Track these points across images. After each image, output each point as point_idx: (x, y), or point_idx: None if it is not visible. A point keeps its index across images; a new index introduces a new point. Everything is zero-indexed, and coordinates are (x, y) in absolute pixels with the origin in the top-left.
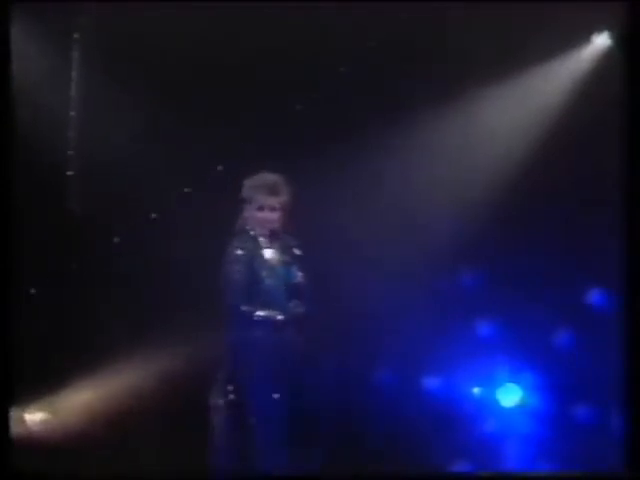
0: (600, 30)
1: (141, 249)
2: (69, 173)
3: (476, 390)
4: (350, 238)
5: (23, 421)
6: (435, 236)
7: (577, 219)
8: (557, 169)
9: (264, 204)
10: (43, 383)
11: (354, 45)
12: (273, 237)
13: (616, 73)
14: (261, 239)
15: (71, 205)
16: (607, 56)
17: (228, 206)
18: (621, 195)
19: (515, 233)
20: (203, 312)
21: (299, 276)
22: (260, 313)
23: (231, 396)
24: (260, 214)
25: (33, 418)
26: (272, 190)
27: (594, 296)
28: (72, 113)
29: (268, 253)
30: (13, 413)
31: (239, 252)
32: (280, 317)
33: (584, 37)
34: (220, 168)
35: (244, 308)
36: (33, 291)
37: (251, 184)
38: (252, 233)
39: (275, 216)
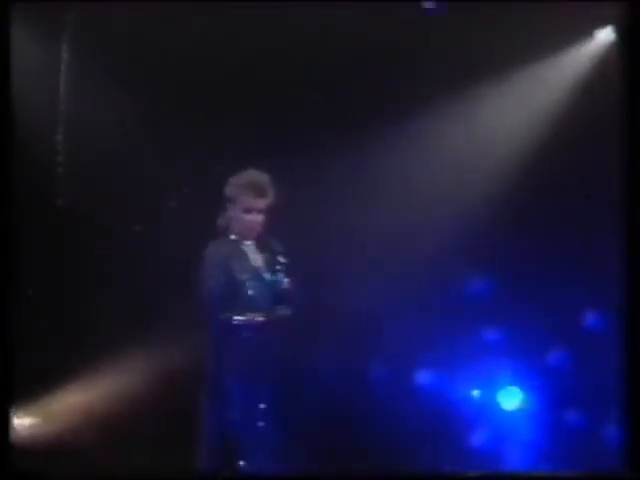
0: (602, 25)
1: (141, 249)
2: (63, 172)
3: (476, 393)
4: (350, 238)
5: (22, 422)
6: (435, 236)
7: (578, 218)
8: (560, 167)
9: (252, 206)
10: (42, 384)
11: (354, 45)
12: (259, 241)
13: (619, 69)
14: (246, 243)
15: (70, 205)
16: (609, 52)
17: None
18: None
19: (515, 233)
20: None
21: (285, 282)
22: (239, 317)
23: (216, 398)
24: (247, 217)
25: (31, 419)
26: (260, 191)
27: (597, 300)
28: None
29: (252, 258)
30: (12, 414)
31: (217, 257)
32: (260, 319)
33: (586, 33)
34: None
35: (222, 315)
36: (30, 292)
37: (237, 182)
38: (233, 237)
39: (261, 219)
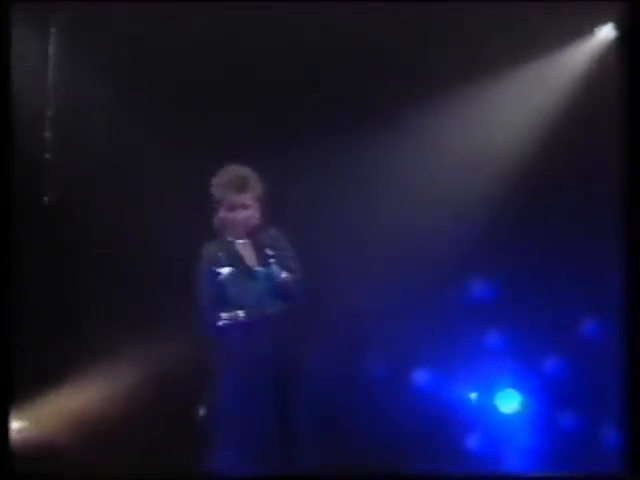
0: (602, 23)
1: (141, 249)
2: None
3: (474, 395)
4: (350, 238)
5: (21, 422)
6: (434, 237)
7: (578, 219)
8: (560, 166)
9: (234, 203)
10: (42, 384)
11: (354, 45)
12: (250, 237)
13: (619, 68)
14: (240, 242)
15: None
16: (609, 50)
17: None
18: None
19: (515, 233)
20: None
21: (281, 274)
22: (224, 315)
23: (209, 399)
24: (231, 214)
25: (31, 419)
26: (240, 187)
27: (597, 302)
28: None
29: (245, 256)
30: (12, 414)
31: (208, 257)
32: (242, 316)
33: (586, 32)
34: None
35: (211, 316)
36: (30, 292)
37: (218, 182)
38: (230, 238)
39: (248, 214)
